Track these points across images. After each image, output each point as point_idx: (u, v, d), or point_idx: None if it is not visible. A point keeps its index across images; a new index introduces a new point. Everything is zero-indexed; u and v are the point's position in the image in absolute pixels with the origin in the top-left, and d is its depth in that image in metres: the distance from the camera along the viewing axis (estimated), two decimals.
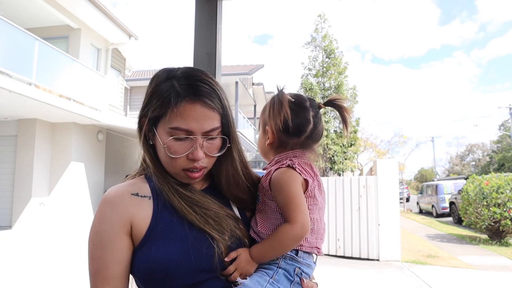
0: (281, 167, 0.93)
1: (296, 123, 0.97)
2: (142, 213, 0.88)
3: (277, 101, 0.96)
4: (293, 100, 0.99)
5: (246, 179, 1.00)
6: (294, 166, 0.92)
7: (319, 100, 1.10)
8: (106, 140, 12.14)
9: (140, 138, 0.94)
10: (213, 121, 0.88)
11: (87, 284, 0.88)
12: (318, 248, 0.97)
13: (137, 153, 0.99)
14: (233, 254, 0.87)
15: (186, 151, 0.86)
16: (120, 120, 12.05)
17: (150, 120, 0.90)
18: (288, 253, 0.92)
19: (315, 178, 0.96)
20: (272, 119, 0.97)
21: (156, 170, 0.93)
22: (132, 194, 0.91)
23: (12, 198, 9.91)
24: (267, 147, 1.03)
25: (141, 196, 0.91)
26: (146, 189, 0.93)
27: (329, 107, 1.06)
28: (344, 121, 1.04)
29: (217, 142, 0.91)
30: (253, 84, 20.13)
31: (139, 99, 16.45)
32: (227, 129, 0.92)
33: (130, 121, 12.46)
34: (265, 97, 22.48)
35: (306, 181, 0.92)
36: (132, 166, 1.03)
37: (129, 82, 17.15)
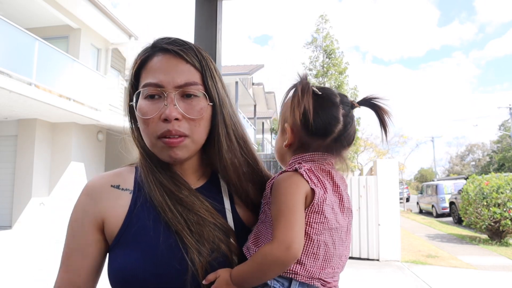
0: (287, 171, 0.78)
1: (321, 121, 0.79)
2: (118, 210, 0.79)
3: (299, 92, 0.79)
4: (320, 93, 0.81)
5: (246, 158, 0.86)
6: (301, 171, 0.75)
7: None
8: (106, 140, 12.14)
9: (128, 116, 0.85)
10: (188, 75, 0.77)
11: None
12: (325, 281, 0.75)
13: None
14: (211, 277, 0.72)
15: (158, 110, 0.75)
16: (120, 120, 12.03)
17: (131, 90, 0.82)
18: (277, 284, 0.74)
19: (331, 190, 0.78)
20: (291, 114, 0.79)
21: (141, 154, 0.84)
22: (112, 186, 0.82)
23: (12, 198, 9.90)
24: (285, 148, 0.85)
25: (122, 189, 0.82)
26: (129, 180, 0.84)
27: (365, 107, 0.86)
28: (383, 125, 0.85)
29: (198, 103, 0.78)
30: (253, 84, 20.13)
31: None
32: (212, 91, 0.80)
33: None
34: (265, 97, 22.43)
35: (312, 191, 0.74)
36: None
37: None
